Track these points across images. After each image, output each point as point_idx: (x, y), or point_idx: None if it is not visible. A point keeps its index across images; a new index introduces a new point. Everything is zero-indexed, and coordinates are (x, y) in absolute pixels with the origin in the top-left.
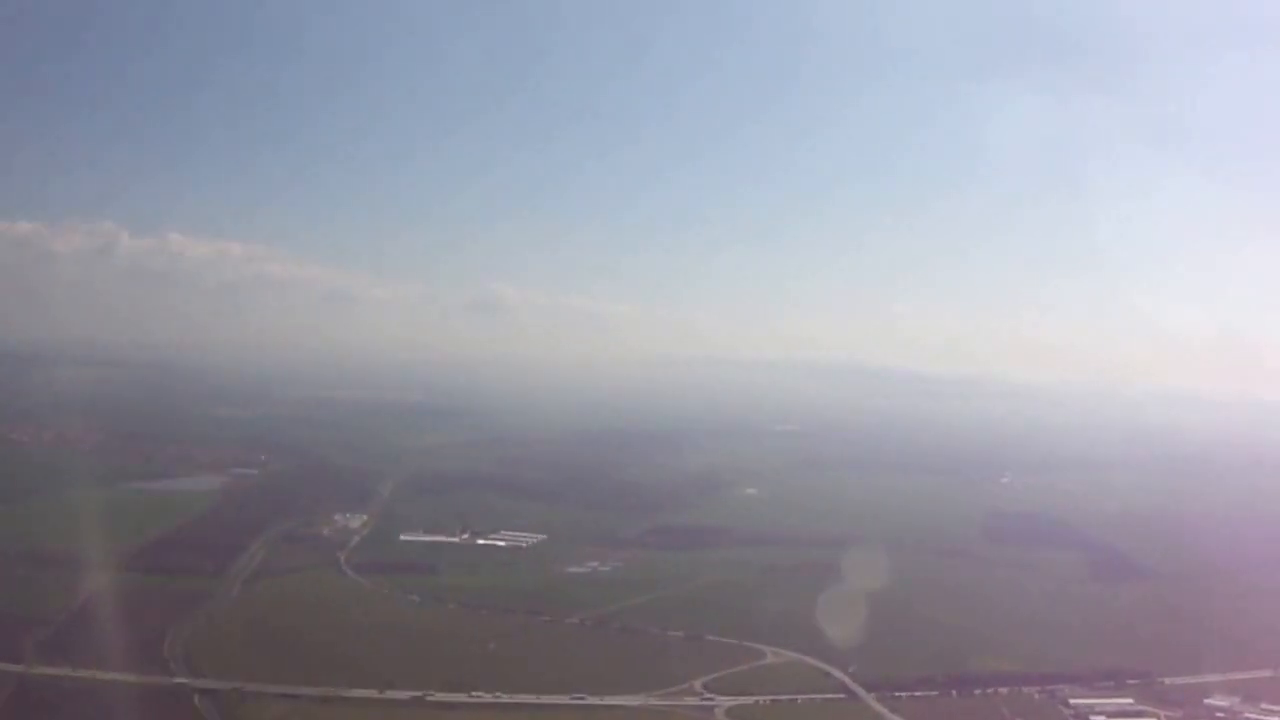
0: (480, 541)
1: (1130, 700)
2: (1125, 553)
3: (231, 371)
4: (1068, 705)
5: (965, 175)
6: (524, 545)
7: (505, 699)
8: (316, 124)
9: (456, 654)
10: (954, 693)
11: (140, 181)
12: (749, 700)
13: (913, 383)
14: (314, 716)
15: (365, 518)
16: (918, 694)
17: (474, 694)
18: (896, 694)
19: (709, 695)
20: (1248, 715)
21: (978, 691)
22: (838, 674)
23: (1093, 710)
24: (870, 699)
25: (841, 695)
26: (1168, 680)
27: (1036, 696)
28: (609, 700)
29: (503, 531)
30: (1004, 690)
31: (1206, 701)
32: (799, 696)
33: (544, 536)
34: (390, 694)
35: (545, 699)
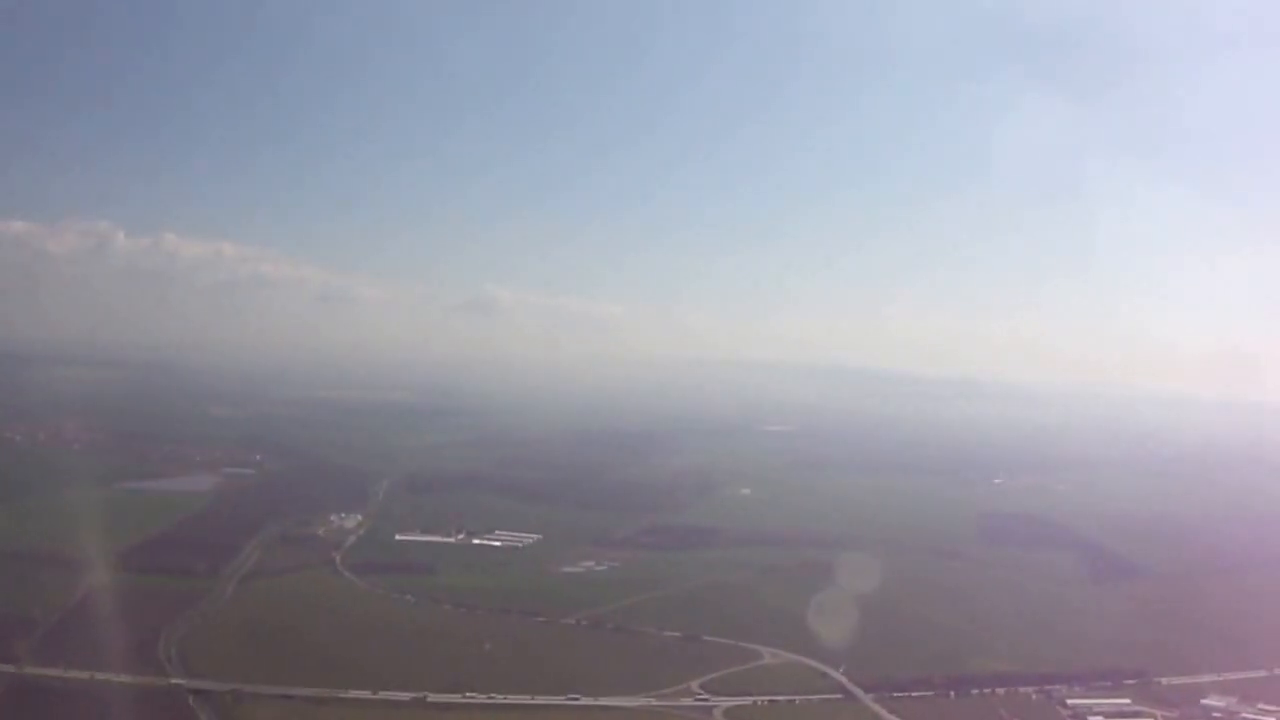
0: (476, 542)
1: (1127, 700)
2: (1120, 553)
3: (227, 371)
4: (1065, 706)
5: (960, 178)
6: (519, 545)
7: (500, 700)
8: (311, 125)
9: (453, 654)
10: (951, 693)
11: (136, 182)
12: (747, 701)
13: (906, 384)
14: (309, 717)
15: (360, 518)
16: (915, 694)
17: (468, 695)
18: (894, 694)
19: (707, 696)
20: (1244, 715)
21: (975, 692)
22: (835, 675)
23: (1090, 710)
24: (868, 699)
25: (839, 696)
26: (1164, 680)
27: (1034, 697)
28: (608, 701)
29: (498, 532)
30: (1001, 691)
31: (1203, 702)
32: (796, 697)
33: (539, 537)
34: (387, 695)
35: (543, 700)
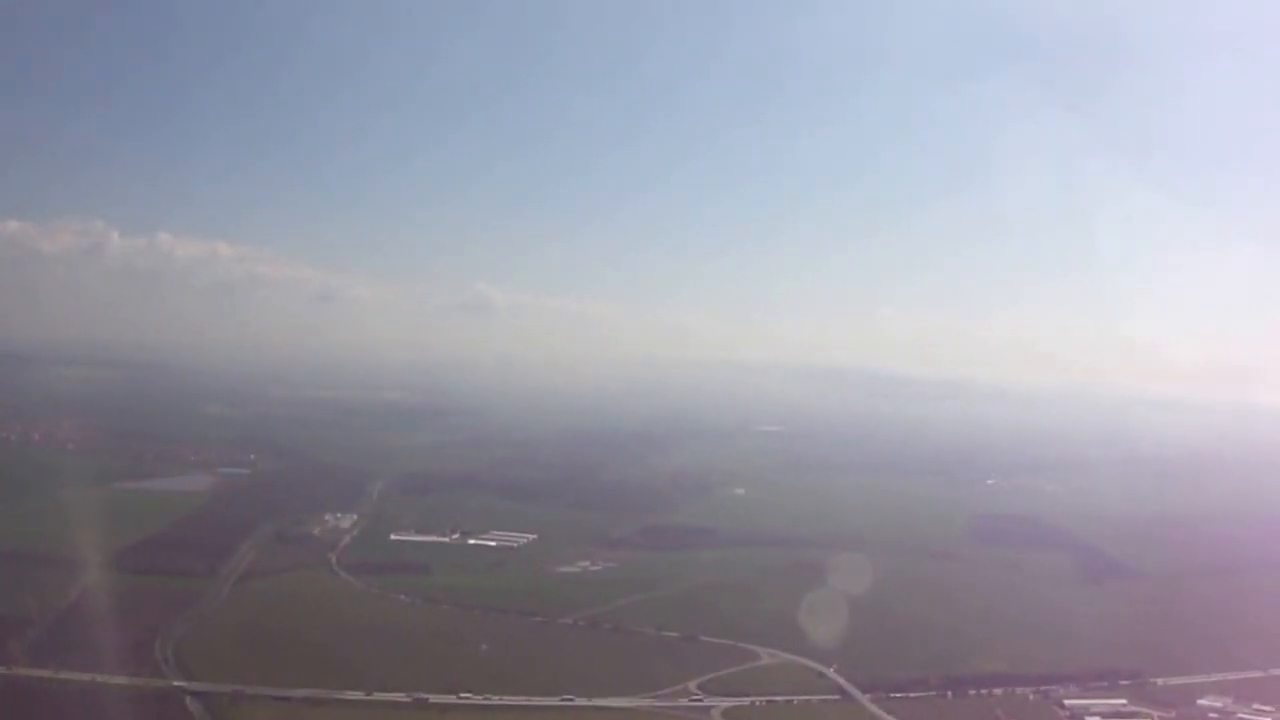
0: (471, 541)
1: (1124, 701)
2: (1114, 554)
3: (222, 371)
4: (1062, 706)
5: (954, 179)
6: (515, 545)
7: (501, 701)
8: (307, 125)
9: (450, 655)
10: (949, 694)
11: (131, 181)
12: (745, 701)
13: (898, 385)
14: (306, 719)
15: (356, 518)
16: (912, 695)
17: (463, 695)
18: (891, 695)
19: (704, 697)
20: (1241, 715)
21: (972, 692)
22: (832, 675)
23: (1087, 711)
24: (865, 700)
25: (836, 696)
26: (1160, 681)
27: (1031, 697)
28: (607, 702)
29: (493, 531)
30: (998, 691)
31: (1199, 702)
32: (794, 698)
33: (534, 536)
34: (386, 696)
35: (543, 701)
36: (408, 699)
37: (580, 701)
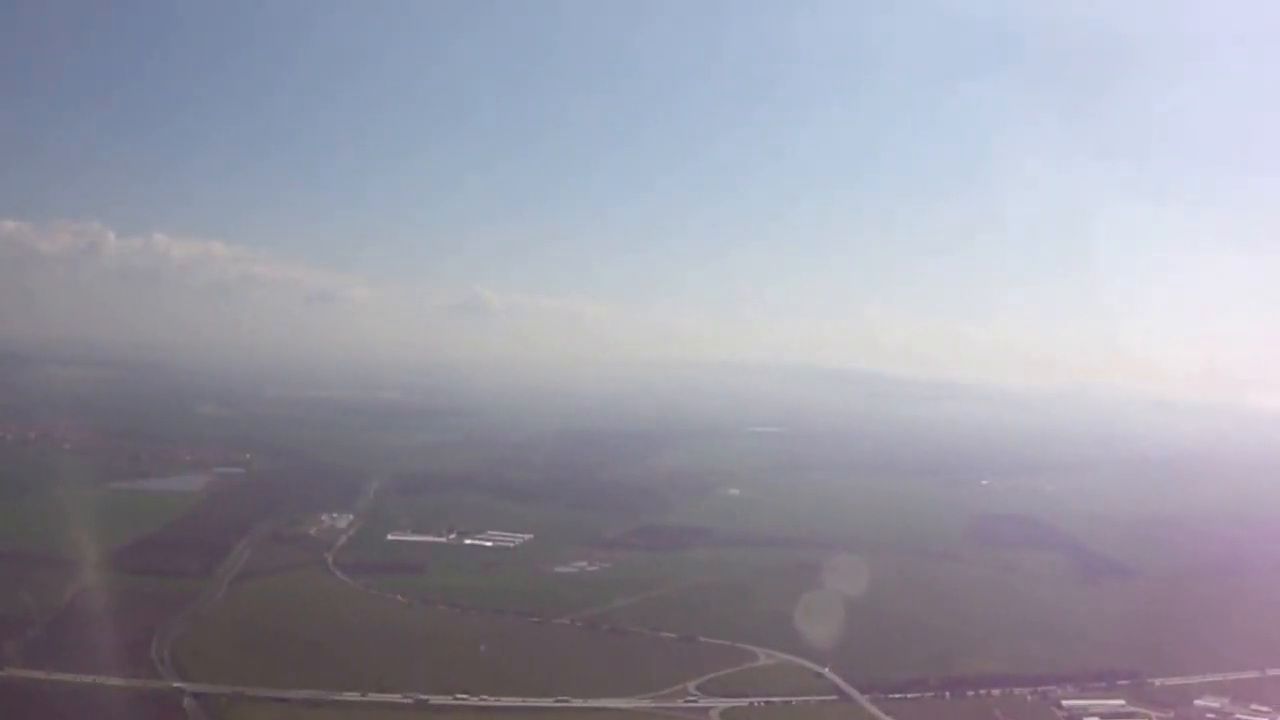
0: (468, 542)
1: (1122, 701)
2: (1109, 554)
3: (217, 371)
4: (1060, 707)
5: (946, 181)
6: (511, 545)
7: (500, 702)
8: (302, 126)
9: (448, 656)
10: (947, 694)
11: (126, 182)
12: (743, 702)
13: (893, 386)
14: None
15: (352, 517)
16: (910, 695)
17: (458, 696)
18: (889, 695)
19: (702, 697)
20: (1238, 716)
21: (970, 693)
22: (830, 676)
23: (1085, 712)
24: (864, 700)
25: (834, 697)
26: (1157, 681)
27: (1029, 698)
28: (607, 703)
29: (489, 531)
30: (996, 692)
31: (1196, 702)
32: (792, 698)
33: (530, 537)
34: (384, 698)
35: (542, 703)
36: (408, 700)
37: (580, 703)
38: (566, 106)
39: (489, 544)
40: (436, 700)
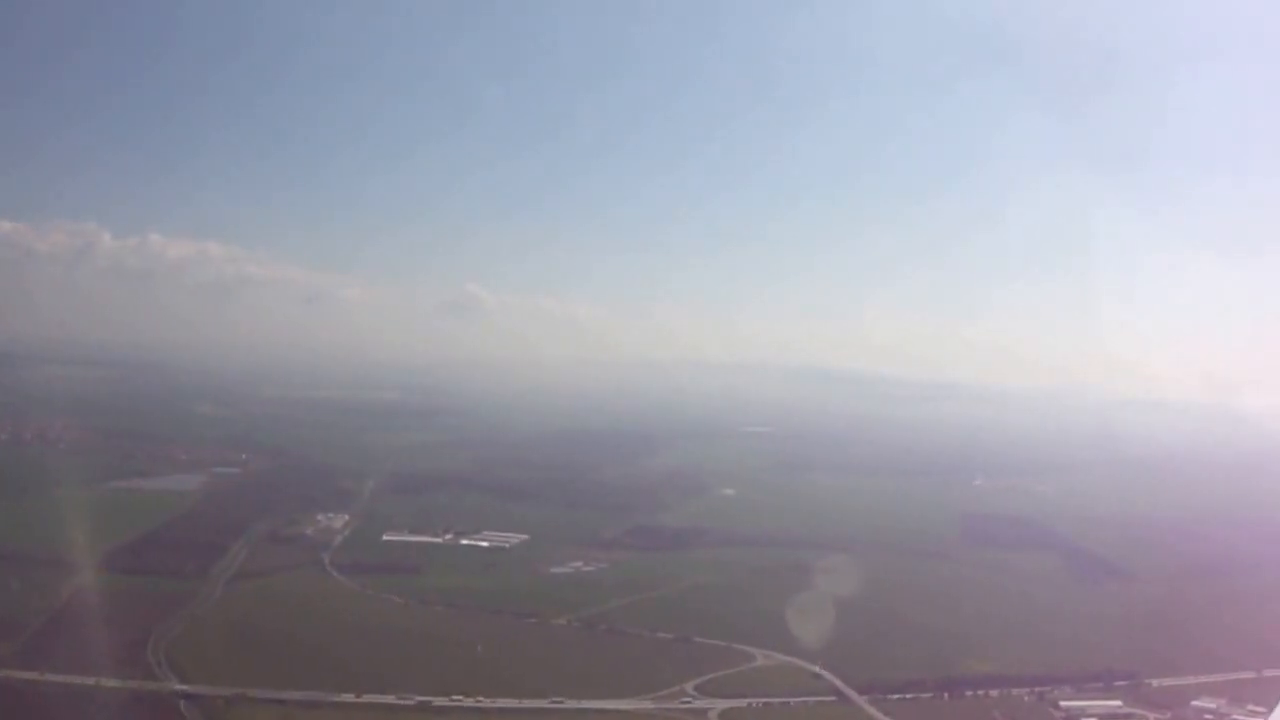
0: (464, 542)
1: (1119, 703)
2: (1103, 555)
3: (213, 370)
4: (1058, 708)
5: (939, 181)
6: (507, 546)
7: (497, 704)
8: (296, 128)
9: (445, 657)
10: (945, 695)
11: (122, 182)
12: (742, 703)
13: (885, 386)
14: None
15: (348, 517)
16: (908, 696)
17: (454, 698)
18: (887, 696)
19: (701, 698)
20: (1235, 717)
21: (968, 693)
22: (828, 676)
23: (1084, 713)
24: (862, 701)
25: (833, 698)
26: (1154, 683)
27: (1027, 699)
28: (607, 705)
29: (486, 532)
30: (994, 693)
31: (1194, 703)
32: (791, 699)
33: (526, 537)
34: (384, 699)
35: (542, 704)
36: (408, 702)
37: (580, 704)
38: (562, 107)
39: (485, 544)
40: (441, 702)
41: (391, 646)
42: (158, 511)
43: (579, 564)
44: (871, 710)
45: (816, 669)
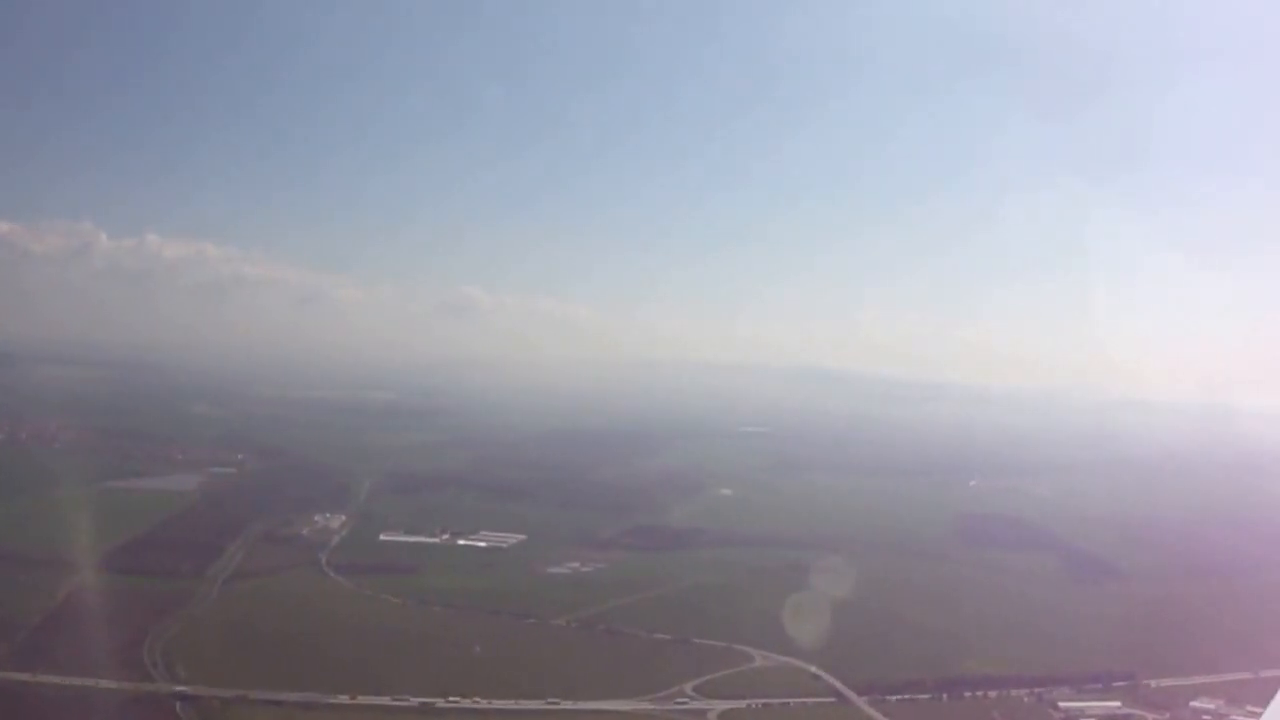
0: (461, 542)
1: (1118, 703)
2: (1099, 555)
3: (209, 371)
4: (1057, 708)
5: (934, 182)
6: (504, 546)
7: (498, 705)
8: (292, 129)
9: (443, 657)
10: (944, 696)
11: (119, 183)
12: (741, 704)
13: (877, 387)
14: None
15: (344, 518)
16: (907, 697)
17: (451, 699)
18: (886, 697)
19: (700, 699)
20: (1234, 718)
21: (967, 694)
22: (827, 677)
23: (1083, 713)
24: (861, 702)
25: (832, 699)
26: (1153, 683)
27: (1025, 699)
28: (606, 705)
29: (482, 532)
30: (993, 693)
31: (1192, 704)
32: (790, 700)
33: (523, 537)
34: (378, 700)
35: (541, 705)
36: (405, 703)
37: (580, 705)
38: (557, 108)
39: (482, 544)
40: (431, 702)
41: (389, 647)
42: (154, 511)
43: (576, 564)
44: (871, 711)
45: (815, 670)
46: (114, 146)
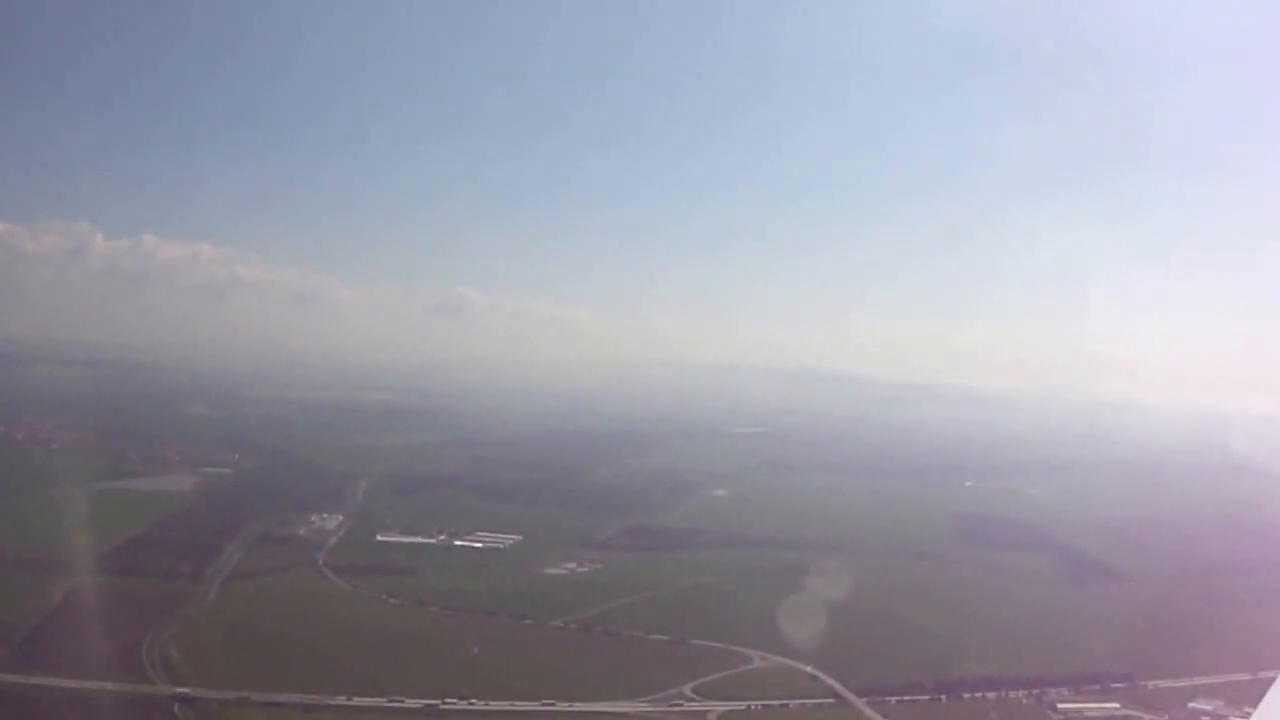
0: (457, 543)
1: (1117, 705)
2: (1096, 556)
3: (205, 371)
4: (1055, 710)
5: (928, 184)
6: (501, 547)
7: (481, 706)
8: (289, 131)
9: (442, 658)
10: (942, 697)
11: (116, 184)
12: (740, 706)
13: (874, 388)
14: None
15: (341, 518)
16: (906, 698)
17: (448, 701)
18: (885, 698)
19: (699, 700)
20: (1233, 719)
21: (965, 696)
22: (825, 678)
23: (1081, 715)
24: (860, 704)
25: (831, 700)
26: (1151, 685)
27: (1024, 701)
28: (606, 707)
29: (479, 533)
30: (991, 695)
31: (1191, 705)
32: (789, 701)
33: (519, 538)
34: (376, 701)
35: (541, 706)
36: (403, 704)
37: (579, 706)
38: (553, 109)
39: (479, 545)
40: (430, 704)
41: (386, 648)
42: (151, 512)
43: (573, 565)
44: (870, 712)
45: (813, 671)
46: (111, 147)
